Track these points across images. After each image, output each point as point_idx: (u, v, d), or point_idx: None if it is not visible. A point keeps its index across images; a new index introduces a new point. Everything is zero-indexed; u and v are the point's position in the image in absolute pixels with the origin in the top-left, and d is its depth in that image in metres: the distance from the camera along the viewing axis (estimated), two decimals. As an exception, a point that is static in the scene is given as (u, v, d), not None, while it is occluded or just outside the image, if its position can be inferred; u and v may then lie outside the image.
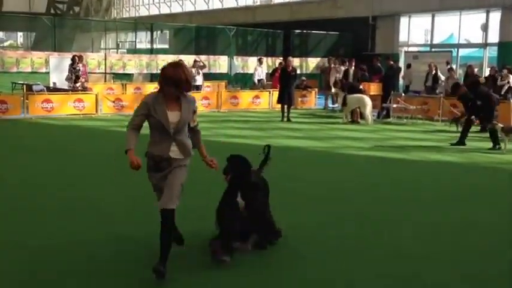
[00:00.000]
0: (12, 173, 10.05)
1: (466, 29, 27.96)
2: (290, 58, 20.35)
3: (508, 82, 19.49)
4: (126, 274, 5.38)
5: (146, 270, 5.18)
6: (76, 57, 20.63)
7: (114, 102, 19.72)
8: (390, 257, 6.04)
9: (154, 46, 32.28)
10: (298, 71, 26.56)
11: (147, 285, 5.12)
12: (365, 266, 5.74)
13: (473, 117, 14.85)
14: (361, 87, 19.88)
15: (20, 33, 60.83)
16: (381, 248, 6.29)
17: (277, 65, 24.45)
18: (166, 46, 36.83)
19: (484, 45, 26.94)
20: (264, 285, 5.24)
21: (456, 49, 27.80)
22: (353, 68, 21.39)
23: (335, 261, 5.85)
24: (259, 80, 24.90)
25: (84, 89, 20.10)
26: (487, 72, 21.74)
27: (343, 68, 21.97)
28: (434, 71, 21.97)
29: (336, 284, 5.31)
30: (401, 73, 24.54)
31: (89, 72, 24.63)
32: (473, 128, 17.07)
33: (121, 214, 7.49)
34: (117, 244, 6.21)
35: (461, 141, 14.29)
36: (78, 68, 20.34)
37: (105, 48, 35.80)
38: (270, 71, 24.91)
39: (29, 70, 24.59)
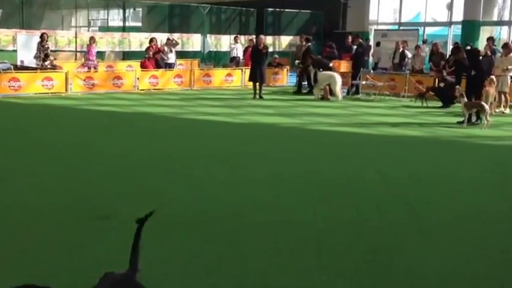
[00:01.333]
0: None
1: (433, 8, 28.57)
2: (261, 36, 20.60)
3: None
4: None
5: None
6: (45, 35, 20.51)
7: (84, 80, 19.70)
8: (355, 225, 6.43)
9: (127, 24, 32.19)
10: (271, 49, 26.88)
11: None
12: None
13: (458, 87, 15.35)
14: (331, 64, 20.23)
15: (-14, 11, 59.75)
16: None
17: (248, 44, 24.60)
18: (139, 24, 36.67)
19: (449, 23, 27.57)
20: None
21: (423, 27, 28.39)
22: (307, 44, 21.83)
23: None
24: (234, 57, 25.11)
25: (54, 67, 19.99)
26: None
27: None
28: (401, 49, 22.40)
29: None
30: (371, 51, 24.96)
31: (58, 50, 24.60)
32: (436, 104, 17.68)
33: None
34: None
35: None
36: (47, 46, 20.24)
37: (76, 26, 35.47)
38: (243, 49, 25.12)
39: (-4, 48, 24.26)
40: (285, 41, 30.60)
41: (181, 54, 26.07)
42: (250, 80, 19.68)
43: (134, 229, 3.68)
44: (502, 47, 17.65)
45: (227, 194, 7.49)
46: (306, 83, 21.35)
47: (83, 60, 22.47)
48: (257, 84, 19.20)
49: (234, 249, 5.53)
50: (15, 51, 22.91)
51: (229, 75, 23.02)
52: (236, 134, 12.66)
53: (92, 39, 21.93)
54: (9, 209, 6.65)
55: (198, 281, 4.83)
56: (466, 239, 6.04)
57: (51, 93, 18.63)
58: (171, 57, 22.05)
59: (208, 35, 29.24)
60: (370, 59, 24.91)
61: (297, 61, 22.14)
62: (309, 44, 21.71)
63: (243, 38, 27.30)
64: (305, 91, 21.07)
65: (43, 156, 9.73)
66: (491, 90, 15.82)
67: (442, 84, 17.95)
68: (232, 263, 5.21)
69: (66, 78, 19.10)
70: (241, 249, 5.55)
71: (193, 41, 28.39)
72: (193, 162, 9.44)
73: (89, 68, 21.11)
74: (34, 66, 20.04)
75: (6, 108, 16.04)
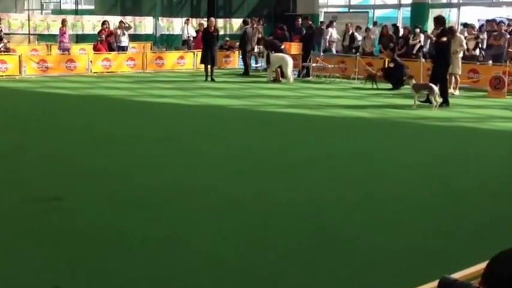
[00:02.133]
0: None
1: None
2: (212, 19, 20.77)
3: (420, 41, 20.54)
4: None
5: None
6: (-1, 19, 20.39)
7: (38, 63, 19.67)
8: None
9: (80, 7, 31.92)
10: (223, 32, 27.04)
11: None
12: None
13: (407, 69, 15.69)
14: (282, 46, 20.55)
15: None
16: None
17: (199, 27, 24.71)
18: (92, 7, 36.27)
19: (398, 6, 28.14)
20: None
21: (372, 10, 28.94)
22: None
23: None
24: (185, 40, 25.21)
25: (7, 50, 19.95)
26: (401, 32, 22.72)
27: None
28: (350, 31, 22.86)
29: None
30: (325, 35, 25.36)
31: (11, 33, 24.36)
32: (386, 86, 18.16)
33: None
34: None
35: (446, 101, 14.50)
36: (0, 29, 20.19)
37: (29, 9, 34.98)
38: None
39: None
40: (236, 23, 30.78)
41: (133, 37, 26.05)
42: (201, 62, 19.86)
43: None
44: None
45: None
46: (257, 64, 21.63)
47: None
48: (208, 66, 19.40)
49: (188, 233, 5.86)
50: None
51: (181, 58, 23.15)
52: (186, 115, 12.92)
53: (64, 22, 21.77)
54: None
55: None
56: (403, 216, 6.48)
57: (5, 76, 18.59)
58: (124, 40, 22.09)
59: (160, 18, 29.23)
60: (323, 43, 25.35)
61: (237, 43, 22.46)
62: (246, 27, 22.12)
63: (194, 21, 27.39)
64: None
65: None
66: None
67: (392, 65, 18.32)
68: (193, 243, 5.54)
69: (20, 61, 19.06)
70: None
71: (146, 24, 28.36)
72: (138, 143, 9.70)
73: (63, 50, 20.99)
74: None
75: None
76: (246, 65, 21.73)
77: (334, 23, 23.94)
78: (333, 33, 23.18)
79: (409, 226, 5.95)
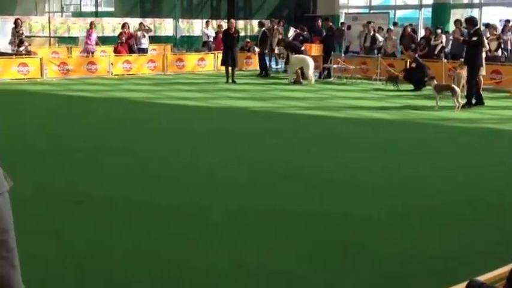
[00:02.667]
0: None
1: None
2: (232, 20, 20.78)
3: (441, 42, 20.35)
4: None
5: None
6: (19, 21, 20.58)
7: (59, 66, 19.79)
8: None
9: (100, 9, 32.08)
10: (243, 33, 27.01)
11: None
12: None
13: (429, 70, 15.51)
14: (302, 47, 20.46)
15: (-42, -4, 58.86)
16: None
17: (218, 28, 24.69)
18: (112, 9, 36.47)
19: (420, 6, 27.91)
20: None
21: (393, 11, 28.75)
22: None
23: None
24: (206, 42, 25.21)
25: (29, 53, 20.09)
26: (422, 33, 22.55)
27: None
28: (372, 32, 22.71)
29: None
30: (344, 36, 25.29)
31: (32, 36, 24.52)
32: (408, 87, 18.00)
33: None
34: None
35: (469, 102, 14.40)
36: (21, 31, 20.36)
37: (49, 12, 35.20)
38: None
39: (-30, 35, 24.13)
40: (256, 25, 30.72)
41: (153, 39, 26.10)
42: (222, 64, 19.86)
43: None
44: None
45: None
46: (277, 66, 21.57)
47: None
48: (229, 68, 19.38)
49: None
50: (-10, 37, 22.83)
51: (201, 59, 23.16)
52: (208, 117, 12.90)
53: (92, 24, 21.99)
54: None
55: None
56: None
57: (26, 78, 18.73)
58: (144, 42, 22.16)
59: (180, 20, 29.27)
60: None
61: (255, 47, 22.42)
62: (263, 28, 22.08)
63: (214, 23, 27.40)
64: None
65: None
66: (463, 73, 16.10)
67: (413, 65, 18.15)
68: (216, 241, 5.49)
69: (41, 64, 19.21)
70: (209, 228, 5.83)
71: (166, 26, 28.43)
72: (162, 143, 9.67)
73: (87, 53, 21.16)
74: (9, 52, 20.11)
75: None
76: (264, 66, 21.70)
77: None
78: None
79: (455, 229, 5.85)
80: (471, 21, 15.02)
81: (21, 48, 19.98)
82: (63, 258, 4.95)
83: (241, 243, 5.38)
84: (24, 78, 18.71)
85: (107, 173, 7.86)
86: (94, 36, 21.61)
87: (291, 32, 22.09)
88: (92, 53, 21.41)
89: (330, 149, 9.77)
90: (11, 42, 20.19)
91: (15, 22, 20.43)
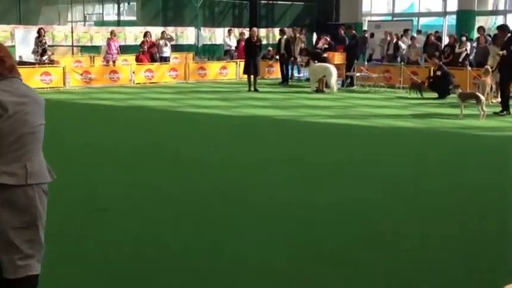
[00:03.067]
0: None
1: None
2: (254, 29, 20.70)
3: (466, 49, 20.06)
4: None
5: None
6: (42, 30, 20.73)
7: (82, 75, 19.85)
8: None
9: (122, 18, 32.18)
10: (265, 42, 26.92)
11: None
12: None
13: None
14: (325, 55, 20.30)
15: (-17, 6, 59.65)
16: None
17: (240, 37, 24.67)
18: (134, 18, 36.65)
19: (444, 13, 27.59)
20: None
21: (417, 18, 28.46)
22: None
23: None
24: (227, 51, 25.17)
25: (51, 62, 20.21)
26: (446, 40, 22.25)
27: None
28: (395, 40, 22.47)
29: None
30: (368, 43, 25.14)
31: (55, 45, 24.66)
32: (432, 95, 17.77)
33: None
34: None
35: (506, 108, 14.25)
36: (44, 41, 20.49)
37: (72, 21, 35.43)
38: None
39: (-6, 44, 24.30)
40: (278, 33, 30.66)
41: (175, 48, 26.11)
42: (244, 72, 19.77)
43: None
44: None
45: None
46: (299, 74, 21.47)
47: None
48: (252, 76, 19.29)
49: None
50: (14, 46, 22.93)
51: (223, 68, 23.11)
52: (230, 126, 12.80)
53: (112, 34, 22.08)
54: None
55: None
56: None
57: (49, 87, 18.80)
58: (166, 51, 22.16)
59: (202, 28, 29.28)
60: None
61: (276, 55, 22.36)
62: (284, 36, 21.99)
63: (236, 31, 27.35)
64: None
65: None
66: (488, 81, 15.87)
67: (438, 73, 17.88)
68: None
69: (64, 73, 19.27)
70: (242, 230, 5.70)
71: (188, 34, 28.44)
72: (186, 149, 9.58)
73: (107, 61, 21.24)
74: (32, 61, 20.22)
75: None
76: (284, 74, 21.61)
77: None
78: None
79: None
80: (504, 28, 14.82)
81: (44, 58, 20.13)
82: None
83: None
84: (47, 87, 18.77)
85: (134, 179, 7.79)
86: (115, 45, 21.64)
87: (320, 44, 21.95)
88: (113, 62, 21.44)
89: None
90: (34, 52, 20.33)
91: (39, 31, 20.59)
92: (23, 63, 20.61)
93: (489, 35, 20.56)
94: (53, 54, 21.51)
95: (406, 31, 23.04)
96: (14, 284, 3.46)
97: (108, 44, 21.66)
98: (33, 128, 3.48)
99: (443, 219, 6.47)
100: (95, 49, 27.54)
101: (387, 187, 7.76)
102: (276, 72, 24.05)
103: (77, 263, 5.00)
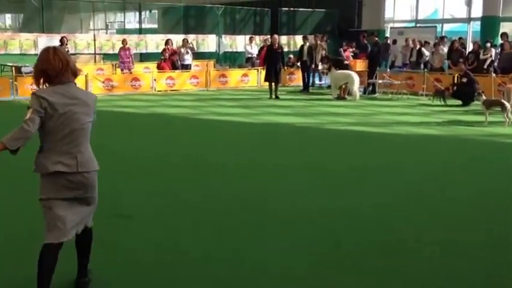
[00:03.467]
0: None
1: (451, 4, 28.21)
2: (275, 36, 20.63)
3: (491, 56, 19.82)
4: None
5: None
6: (65, 39, 20.93)
7: (104, 82, 19.96)
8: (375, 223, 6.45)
9: (143, 26, 32.39)
10: (286, 49, 26.83)
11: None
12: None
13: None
14: (346, 62, 20.18)
15: (8, 15, 60.57)
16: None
17: (263, 44, 24.66)
18: (155, 26, 36.87)
19: (468, 20, 27.25)
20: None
21: (441, 24, 28.15)
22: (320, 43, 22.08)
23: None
24: (249, 58, 25.15)
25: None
26: (470, 46, 21.99)
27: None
28: (418, 47, 22.27)
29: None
30: (390, 50, 24.96)
31: (78, 53, 24.85)
32: (456, 102, 17.56)
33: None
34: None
35: None
36: (67, 49, 20.64)
37: (94, 29, 35.76)
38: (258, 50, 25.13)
39: (18, 52, 24.48)
40: (300, 40, 30.53)
41: (196, 55, 26.11)
42: (265, 80, 19.69)
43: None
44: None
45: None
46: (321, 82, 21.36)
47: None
48: (273, 84, 19.23)
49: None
50: (37, 54, 23.04)
51: (245, 75, 23.08)
52: (251, 133, 12.74)
53: (123, 42, 21.96)
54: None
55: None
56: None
57: (72, 95, 18.84)
58: (188, 59, 22.20)
59: (223, 36, 29.30)
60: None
61: (297, 63, 22.31)
62: (306, 42, 21.91)
63: (258, 38, 27.32)
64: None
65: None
66: (513, 87, 15.68)
67: (464, 80, 17.65)
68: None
69: (86, 81, 19.37)
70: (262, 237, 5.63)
71: (209, 42, 28.42)
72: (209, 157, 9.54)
73: (122, 70, 21.28)
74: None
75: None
76: (305, 81, 21.55)
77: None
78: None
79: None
80: None
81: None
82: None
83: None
84: (69, 95, 18.84)
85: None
86: (127, 54, 21.57)
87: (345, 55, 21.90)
88: (129, 69, 21.39)
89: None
90: (57, 60, 20.45)
91: (61, 40, 20.81)
92: (45, 71, 20.77)
93: (513, 41, 20.27)
94: (75, 62, 21.62)
95: (426, 43, 22.79)
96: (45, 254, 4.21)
97: (120, 54, 21.67)
98: (82, 125, 4.25)
99: (468, 227, 6.36)
100: (117, 57, 27.68)
101: (410, 194, 7.66)
102: (297, 79, 23.96)
103: (99, 269, 4.95)
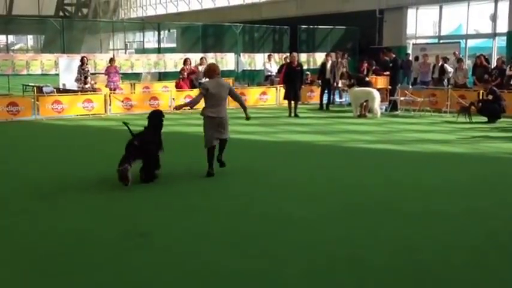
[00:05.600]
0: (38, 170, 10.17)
1: (475, 19, 27.64)
2: (294, 54, 20.36)
3: (516, 72, 19.37)
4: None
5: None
6: (85, 59, 20.94)
7: (123, 102, 19.83)
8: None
9: (162, 45, 32.38)
10: (306, 67, 26.58)
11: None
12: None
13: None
14: (367, 79, 19.84)
15: (29, 36, 61.40)
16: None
17: (283, 61, 24.43)
18: (174, 45, 36.94)
19: (493, 35, 26.72)
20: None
21: (465, 40, 27.65)
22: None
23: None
24: (268, 76, 24.93)
25: (94, 90, 20.33)
26: (495, 63, 21.49)
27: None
28: (440, 63, 21.85)
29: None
30: (412, 66, 24.62)
31: (98, 73, 24.87)
32: (480, 119, 17.10)
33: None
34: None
35: None
36: (87, 69, 20.67)
37: (114, 49, 35.87)
38: (278, 67, 24.89)
39: (39, 72, 24.69)
40: (319, 57, 30.25)
41: (216, 74, 25.98)
42: (285, 98, 19.41)
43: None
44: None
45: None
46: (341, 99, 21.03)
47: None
48: (292, 102, 18.94)
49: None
50: (58, 74, 23.38)
51: (264, 93, 22.83)
52: (273, 152, 12.43)
53: (111, 61, 21.97)
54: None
55: None
56: None
57: (91, 114, 18.88)
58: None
59: (241, 54, 29.15)
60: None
61: (318, 80, 22.06)
62: (327, 59, 21.66)
63: (277, 56, 27.11)
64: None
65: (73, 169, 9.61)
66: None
67: (490, 97, 17.20)
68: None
69: (105, 100, 19.34)
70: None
71: (227, 60, 28.29)
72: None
73: (110, 89, 21.08)
74: (75, 89, 20.44)
75: (51, 129, 16.41)
76: (322, 99, 21.26)
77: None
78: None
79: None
80: None
81: (87, 86, 20.30)
82: None
83: None
84: (88, 114, 18.81)
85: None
86: (112, 72, 21.50)
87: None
88: (115, 89, 21.13)
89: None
90: (77, 80, 20.59)
91: (81, 60, 20.86)
92: (66, 90, 20.84)
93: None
94: (95, 82, 21.60)
95: (447, 58, 22.37)
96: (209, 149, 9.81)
97: (107, 72, 21.61)
98: (221, 97, 9.75)
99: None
100: (136, 76, 27.67)
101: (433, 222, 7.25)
102: (317, 97, 23.66)
103: None
